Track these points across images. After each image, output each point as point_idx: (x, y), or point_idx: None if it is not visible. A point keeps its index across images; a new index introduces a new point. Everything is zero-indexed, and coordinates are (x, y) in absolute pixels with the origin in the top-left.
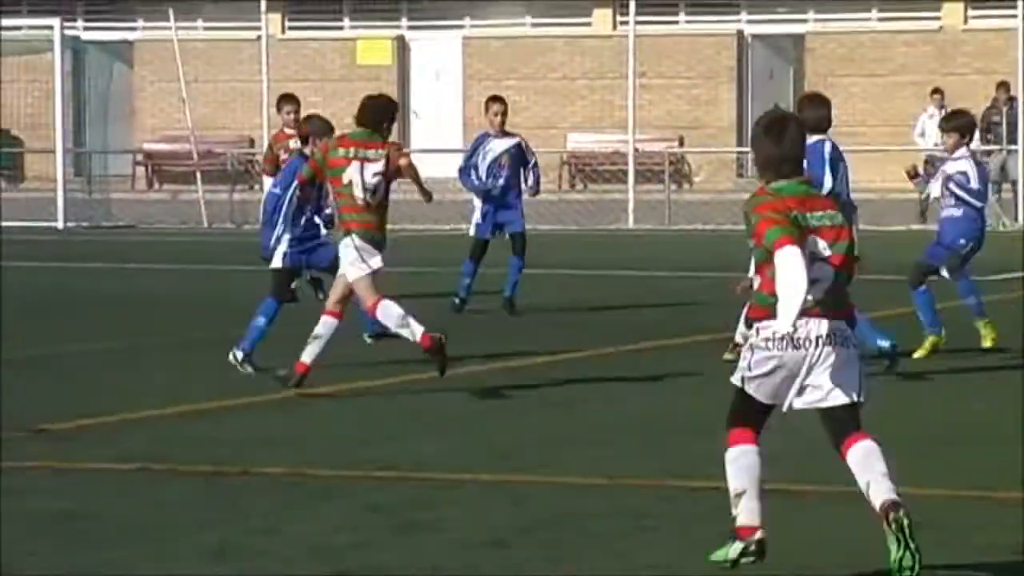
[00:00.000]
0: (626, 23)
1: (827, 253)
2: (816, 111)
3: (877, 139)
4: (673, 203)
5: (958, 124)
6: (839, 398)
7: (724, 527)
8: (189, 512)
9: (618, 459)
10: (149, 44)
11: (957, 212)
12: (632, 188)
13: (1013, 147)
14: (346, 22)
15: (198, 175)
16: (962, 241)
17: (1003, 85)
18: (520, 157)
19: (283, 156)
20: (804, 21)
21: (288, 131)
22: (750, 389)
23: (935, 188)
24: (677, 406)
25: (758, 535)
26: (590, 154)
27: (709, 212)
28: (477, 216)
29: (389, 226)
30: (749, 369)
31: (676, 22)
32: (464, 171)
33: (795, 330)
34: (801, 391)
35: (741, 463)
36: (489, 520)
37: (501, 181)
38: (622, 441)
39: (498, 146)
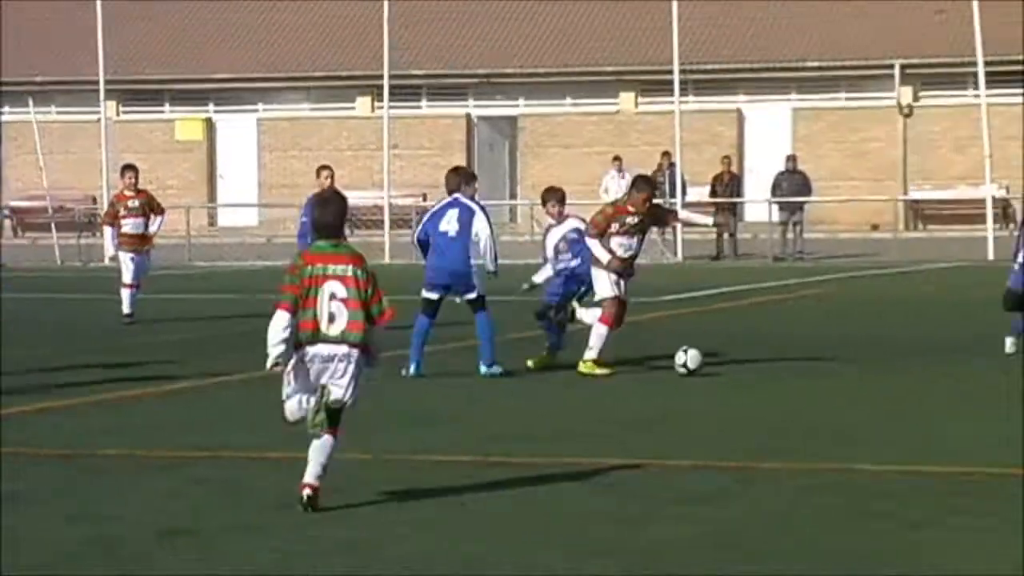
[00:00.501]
0: (381, 107)
1: (344, 296)
2: (459, 180)
3: (572, 196)
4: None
5: (560, 196)
6: (339, 392)
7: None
8: (51, 485)
9: (392, 439)
10: (15, 124)
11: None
12: (388, 232)
13: (674, 200)
14: (166, 107)
15: (53, 225)
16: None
17: (666, 154)
18: None
19: (122, 212)
20: (516, 106)
21: (127, 193)
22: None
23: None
24: (431, 400)
25: (307, 491)
26: (355, 207)
27: None
28: None
29: (203, 263)
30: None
31: (419, 107)
32: (304, 227)
33: (276, 365)
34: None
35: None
36: (291, 487)
37: None
38: (400, 425)
39: None
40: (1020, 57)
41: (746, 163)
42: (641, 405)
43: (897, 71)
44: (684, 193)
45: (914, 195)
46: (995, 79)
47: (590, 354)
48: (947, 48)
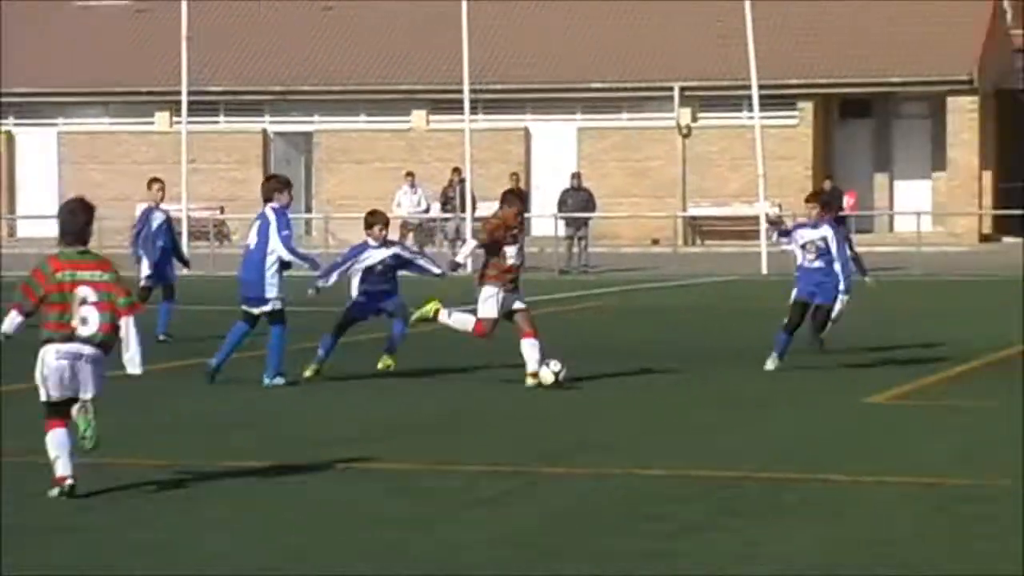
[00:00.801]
0: (180, 122)
1: (95, 300)
2: (271, 188)
3: (365, 209)
4: (217, 255)
5: (386, 221)
6: (87, 392)
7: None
8: None
9: (188, 446)
10: None
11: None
12: (186, 244)
13: (463, 214)
14: None
15: None
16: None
17: (456, 170)
18: (171, 226)
19: None
20: (312, 122)
21: None
22: (52, 396)
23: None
24: (227, 407)
25: (69, 481)
26: None
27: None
28: (147, 270)
29: (3, 272)
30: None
31: (218, 122)
32: (136, 238)
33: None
34: (76, 389)
35: (57, 440)
36: (81, 491)
37: (161, 243)
38: (195, 432)
39: (159, 216)
40: (792, 81)
41: (533, 180)
42: (434, 410)
43: (676, 93)
44: (474, 208)
45: (692, 212)
46: (768, 102)
47: (443, 315)
48: (724, 72)
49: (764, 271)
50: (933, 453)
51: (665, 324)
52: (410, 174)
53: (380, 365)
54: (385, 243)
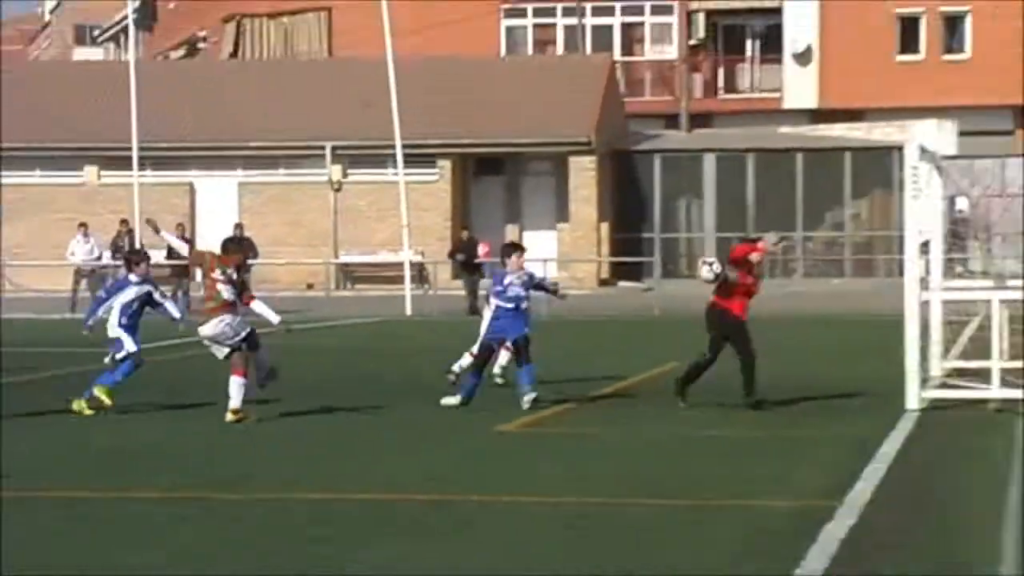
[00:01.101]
0: None
1: None
2: None
3: (42, 257)
4: None
5: (143, 259)
6: None
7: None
8: None
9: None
10: None
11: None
12: None
13: None
14: None
15: None
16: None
17: (124, 222)
18: None
19: None
20: None
21: None
22: None
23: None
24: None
25: None
26: None
27: None
28: None
29: None
30: None
31: None
32: None
33: None
34: None
35: None
36: None
37: None
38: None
39: None
40: (432, 141)
41: (198, 230)
42: (122, 441)
43: (328, 151)
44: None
45: (344, 259)
46: (411, 160)
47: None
48: (371, 132)
49: (408, 312)
50: (552, 475)
51: (319, 363)
52: (83, 225)
53: (75, 407)
54: (144, 280)
